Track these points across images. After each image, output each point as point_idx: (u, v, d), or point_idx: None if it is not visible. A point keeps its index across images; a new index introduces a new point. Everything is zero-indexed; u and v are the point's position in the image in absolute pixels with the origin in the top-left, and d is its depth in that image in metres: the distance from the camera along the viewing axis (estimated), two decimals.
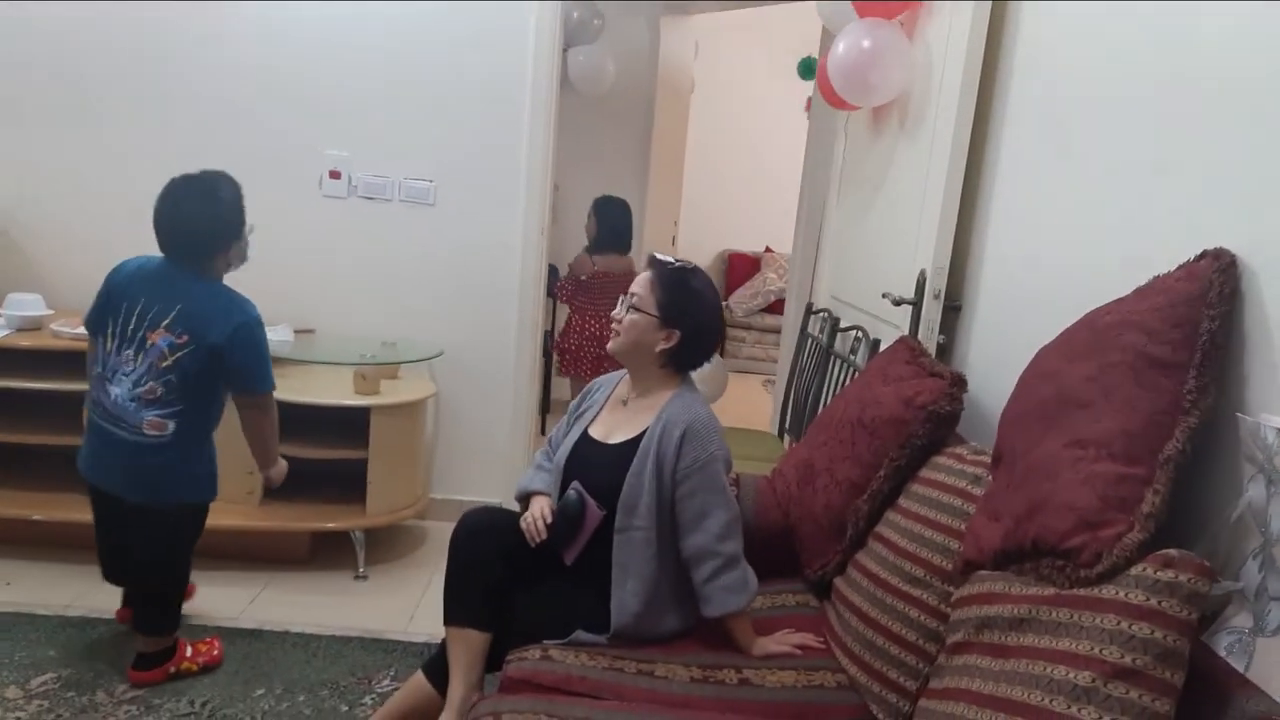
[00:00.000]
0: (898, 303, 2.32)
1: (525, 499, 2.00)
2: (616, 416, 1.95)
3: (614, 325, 1.87)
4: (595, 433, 1.95)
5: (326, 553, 2.96)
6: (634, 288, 1.87)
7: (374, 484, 2.87)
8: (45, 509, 2.74)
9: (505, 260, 3.25)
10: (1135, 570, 1.11)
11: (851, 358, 2.72)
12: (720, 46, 6.81)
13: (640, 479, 1.80)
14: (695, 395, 1.91)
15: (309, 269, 3.22)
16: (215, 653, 2.31)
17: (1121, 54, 1.68)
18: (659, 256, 1.89)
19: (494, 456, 3.38)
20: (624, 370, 2.03)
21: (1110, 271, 1.64)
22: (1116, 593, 1.11)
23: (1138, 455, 1.20)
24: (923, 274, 2.26)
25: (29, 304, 2.80)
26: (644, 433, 1.85)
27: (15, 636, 2.34)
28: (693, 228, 7.40)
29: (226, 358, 2.16)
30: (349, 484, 2.92)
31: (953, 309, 2.28)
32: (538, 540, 1.83)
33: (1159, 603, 1.07)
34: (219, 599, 2.62)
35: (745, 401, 6.04)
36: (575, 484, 1.85)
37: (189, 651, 2.28)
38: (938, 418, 1.85)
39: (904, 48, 2.45)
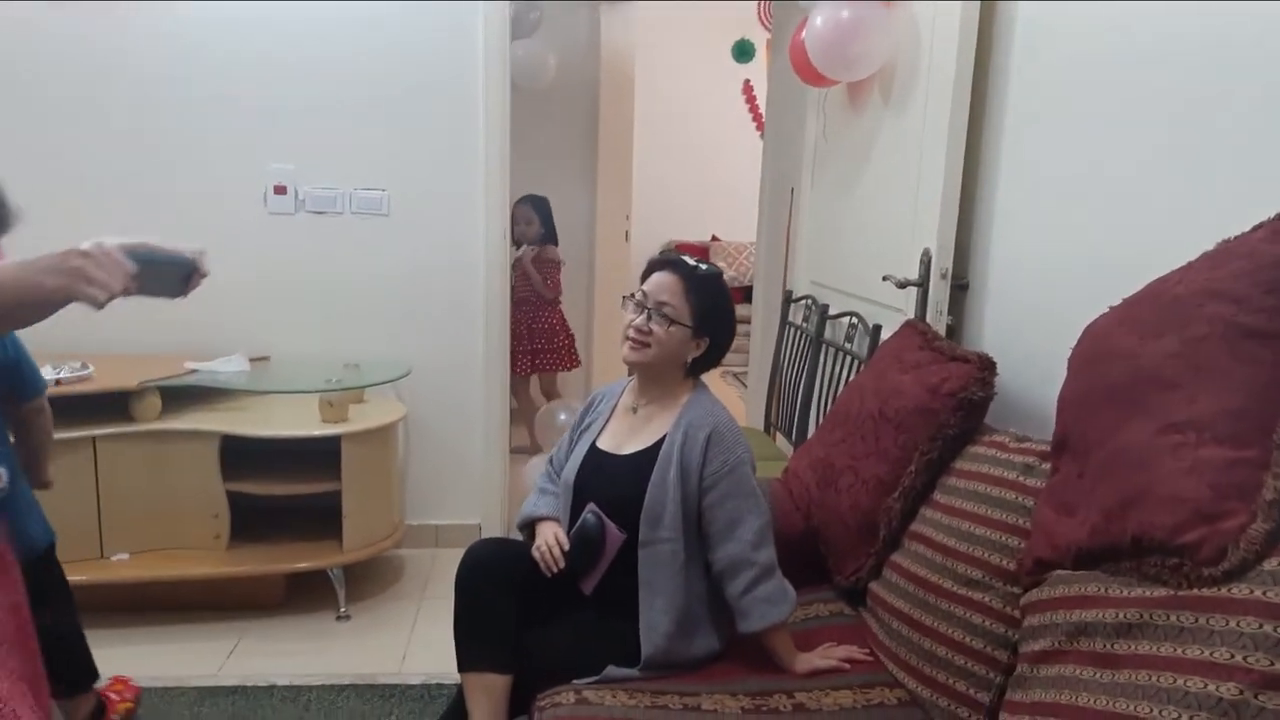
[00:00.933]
0: (902, 285, 2.22)
1: (530, 526, 1.85)
2: (625, 425, 1.81)
3: (638, 337, 1.71)
4: (604, 445, 1.81)
5: (303, 594, 2.75)
6: (663, 296, 1.70)
7: (350, 516, 2.67)
8: None
9: (468, 267, 3.07)
10: (1270, 565, 1.01)
11: (848, 346, 2.61)
12: (653, 34, 6.67)
13: (663, 488, 1.67)
14: (712, 397, 1.79)
15: (258, 292, 2.99)
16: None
17: None
18: (683, 259, 1.75)
19: (469, 475, 3.20)
20: (626, 378, 1.90)
21: (1136, 237, 1.56)
22: (1252, 591, 1.01)
23: (1247, 437, 1.09)
24: (926, 253, 2.16)
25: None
26: (661, 440, 1.71)
27: None
28: (640, 219, 7.26)
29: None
30: (322, 519, 2.72)
31: (959, 288, 2.19)
32: (554, 570, 1.68)
33: None
34: (193, 656, 2.40)
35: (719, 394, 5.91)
36: (592, 506, 1.71)
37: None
38: (969, 405, 1.74)
39: (884, 17, 2.35)
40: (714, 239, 7.50)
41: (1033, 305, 1.95)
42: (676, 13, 6.59)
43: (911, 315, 2.21)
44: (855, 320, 2.58)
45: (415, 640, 2.55)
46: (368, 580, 2.91)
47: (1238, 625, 1.00)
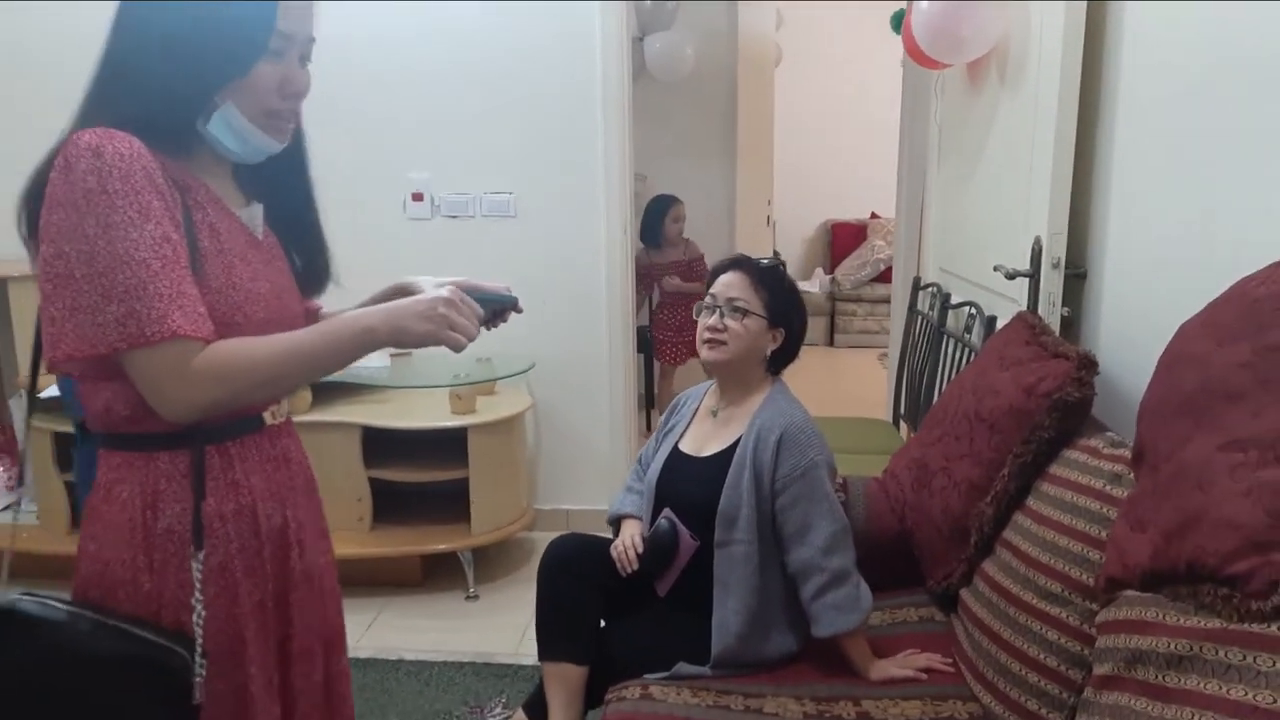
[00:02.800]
0: (1011, 276, 2.11)
1: (617, 523, 1.91)
2: (706, 428, 1.84)
3: (712, 335, 1.74)
4: (686, 447, 1.84)
5: (439, 574, 2.96)
6: (732, 292, 1.74)
7: (477, 502, 2.84)
8: None
9: (591, 262, 3.16)
10: None
11: (966, 337, 2.50)
12: (807, 11, 6.53)
13: (737, 491, 1.69)
14: (790, 398, 1.79)
15: None
16: None
17: None
18: (748, 257, 1.78)
19: (597, 463, 3.31)
20: (708, 381, 1.92)
21: (1267, 222, 1.41)
22: None
23: None
24: (1037, 241, 2.04)
25: None
26: (737, 442, 1.73)
27: None
28: (791, 200, 7.16)
29: None
30: (455, 503, 2.90)
31: (1077, 276, 2.05)
32: (629, 570, 1.74)
33: None
34: None
35: (860, 380, 5.80)
36: (667, 512, 1.75)
37: None
38: (1065, 406, 1.64)
39: None
40: (873, 216, 7.28)
41: (1154, 295, 1.80)
42: None
43: (1025, 306, 2.10)
44: (973, 310, 2.47)
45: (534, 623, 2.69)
46: (498, 562, 3.08)
47: (1276, 665, 0.91)
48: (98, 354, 0.98)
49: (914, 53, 2.46)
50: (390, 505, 2.92)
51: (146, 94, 1.03)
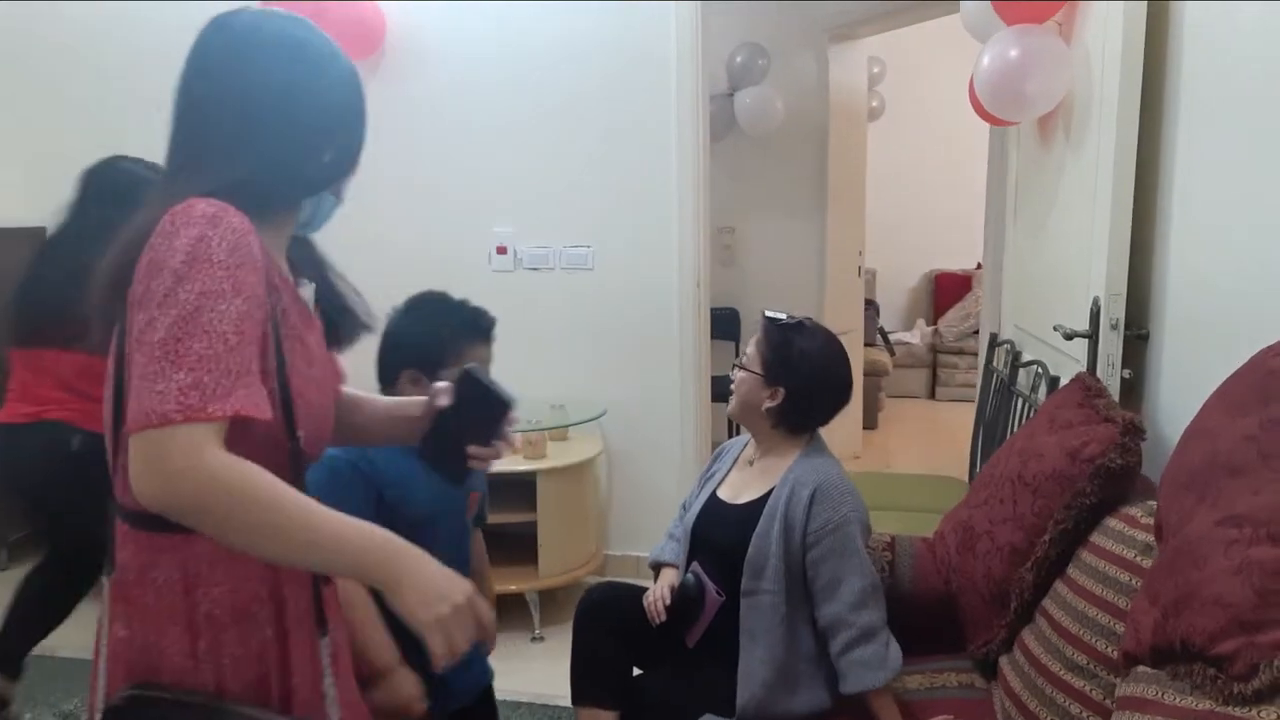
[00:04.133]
0: (1070, 336, 2.07)
1: (657, 568, 1.96)
2: (744, 477, 1.88)
3: (731, 385, 1.83)
4: (723, 494, 1.89)
5: (507, 614, 3.04)
6: (749, 347, 1.82)
7: (545, 545, 2.93)
8: None
9: (663, 313, 3.24)
10: None
11: (1033, 396, 2.44)
12: (911, 60, 6.51)
13: (766, 540, 1.71)
14: (825, 456, 1.81)
15: None
16: None
17: None
18: (768, 314, 1.81)
19: (668, 510, 3.30)
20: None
21: None
22: (1276, 715, 0.89)
23: None
24: (1096, 302, 1.99)
25: None
26: (769, 492, 1.76)
27: None
28: (892, 251, 7.08)
29: None
30: (525, 545, 2.99)
31: (1139, 338, 2.00)
32: (658, 621, 1.78)
33: None
34: None
35: (957, 436, 5.63)
36: (695, 566, 1.79)
37: None
38: (1107, 473, 1.60)
39: (1060, 52, 2.20)
40: (979, 266, 7.09)
41: (1216, 358, 1.72)
42: (929, 39, 6.37)
43: (1085, 367, 2.05)
44: (1040, 369, 2.41)
45: None
46: (566, 605, 3.14)
47: None
48: (150, 425, 0.88)
49: (980, 110, 2.45)
50: None
51: (271, 166, 1.03)
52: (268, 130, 1.03)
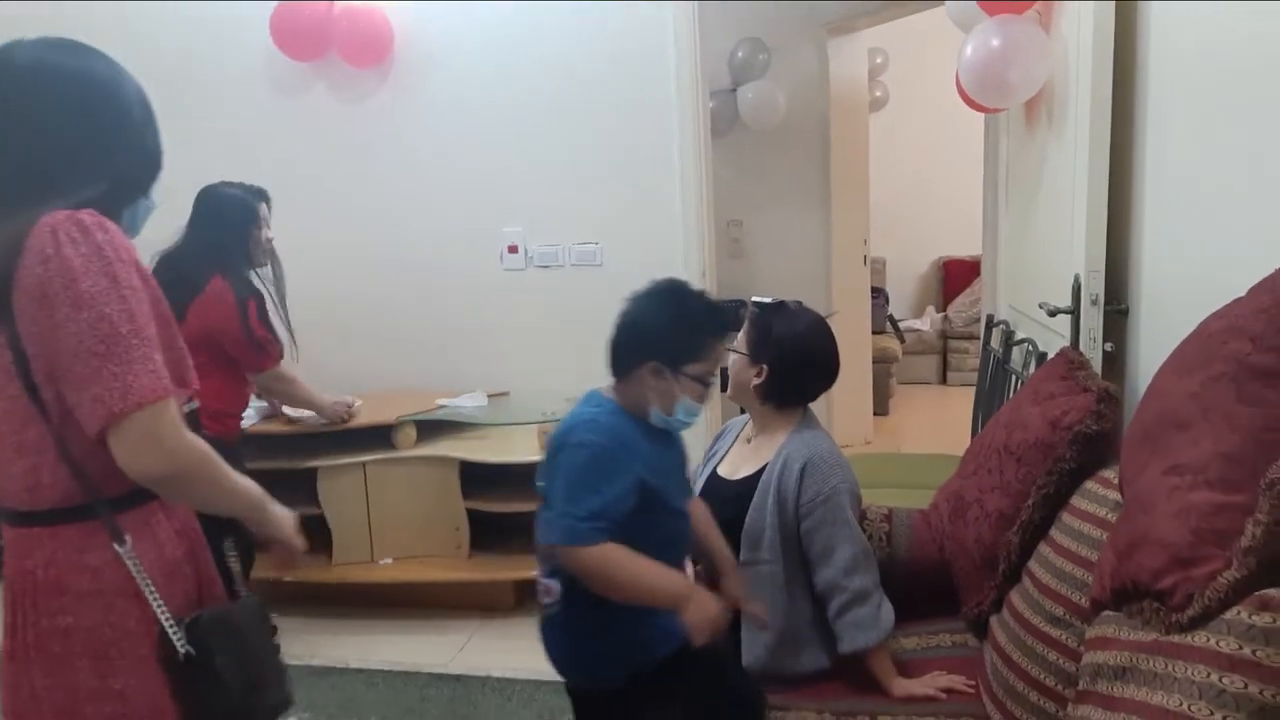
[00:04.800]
0: (1053, 313, 2.16)
1: None
2: (742, 453, 1.99)
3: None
4: (723, 470, 1.99)
5: (532, 599, 3.14)
6: (740, 331, 1.91)
7: None
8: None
9: None
10: (1229, 614, 0.99)
11: (1024, 373, 2.54)
12: (912, 49, 6.57)
13: (761, 513, 1.82)
14: (817, 431, 1.91)
15: (497, 337, 3.50)
16: None
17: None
18: (754, 299, 1.92)
19: None
20: None
21: None
22: (1207, 640, 0.99)
23: (1237, 481, 1.06)
24: (1077, 278, 2.09)
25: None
26: (764, 467, 1.87)
27: None
28: (901, 239, 7.16)
29: None
30: None
31: (1119, 313, 2.09)
32: None
33: (1253, 651, 0.95)
34: (431, 647, 2.89)
35: (966, 419, 5.70)
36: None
37: None
38: (1084, 439, 1.69)
39: (1040, 41, 2.30)
40: None
41: (1191, 328, 1.82)
42: (933, 26, 6.43)
43: (1069, 343, 2.14)
44: (1030, 346, 2.50)
45: None
46: None
47: (1190, 673, 0.99)
48: (148, 402, 1.10)
49: (965, 98, 2.55)
50: (486, 534, 3.16)
51: (111, 176, 1.19)
52: (75, 151, 1.17)
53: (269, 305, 2.62)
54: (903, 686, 1.72)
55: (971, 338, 6.76)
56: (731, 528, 1.84)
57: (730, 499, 1.89)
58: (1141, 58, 1.96)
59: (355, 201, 3.52)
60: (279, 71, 3.47)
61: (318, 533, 3.13)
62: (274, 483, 2.91)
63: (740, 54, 4.75)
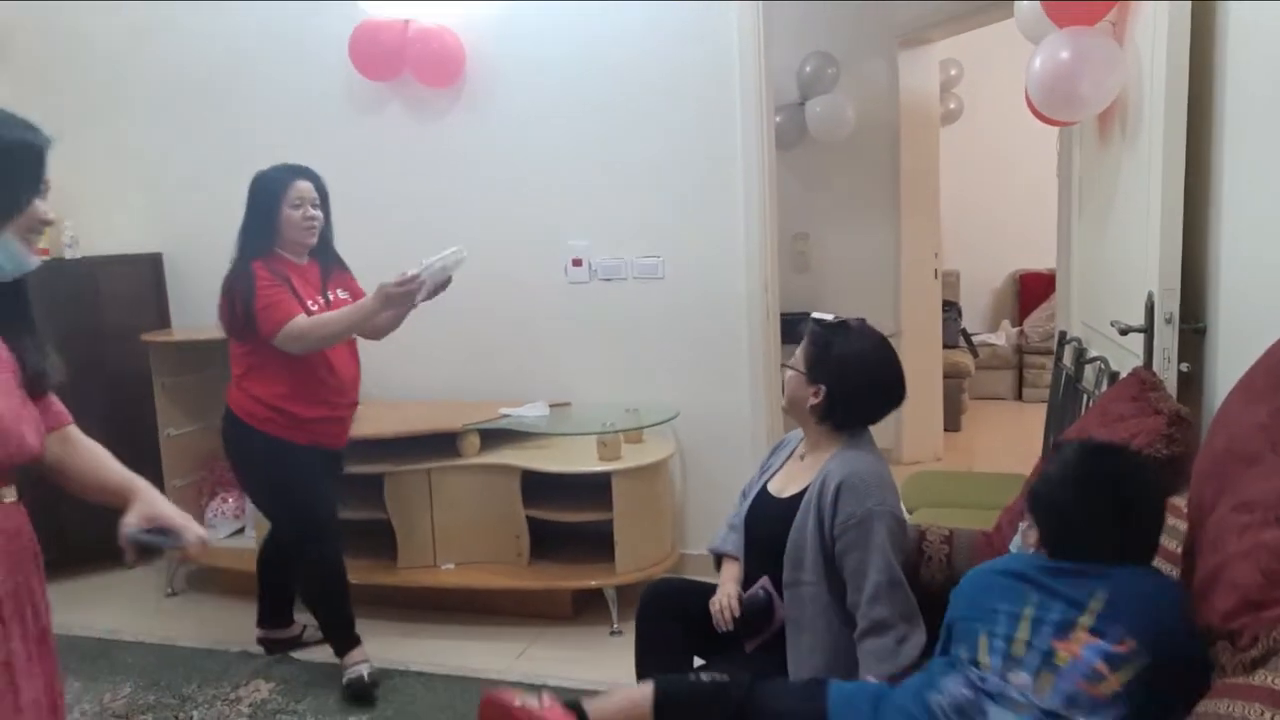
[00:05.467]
0: (1125, 331, 2.09)
1: (717, 558, 2.06)
2: (792, 471, 1.97)
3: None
4: (773, 487, 1.98)
5: (589, 609, 3.18)
6: (798, 349, 1.90)
7: (621, 543, 3.06)
8: (358, 575, 3.23)
9: (734, 318, 3.34)
10: None
11: (1095, 392, 2.46)
12: (986, 61, 6.44)
13: (803, 533, 1.80)
14: (863, 450, 1.87)
15: (561, 348, 3.54)
16: None
17: None
18: (815, 315, 1.89)
19: None
20: None
21: None
22: (1266, 678, 0.95)
23: None
24: (1150, 296, 2.02)
25: None
26: (809, 486, 1.85)
27: None
28: (975, 252, 7.00)
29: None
30: (604, 543, 3.13)
31: (1196, 332, 2.01)
32: (724, 629, 1.86)
33: None
34: (490, 653, 2.93)
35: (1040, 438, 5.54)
36: (765, 583, 1.87)
37: None
38: (1156, 464, 1.64)
39: (1113, 52, 2.23)
40: None
41: None
42: (1009, 38, 6.29)
43: (1143, 362, 2.07)
44: (1102, 365, 2.42)
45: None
46: None
47: (1246, 713, 0.95)
48: None
49: (1035, 111, 2.49)
50: (546, 542, 3.19)
51: None
52: None
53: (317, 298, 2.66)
54: None
55: (1048, 353, 6.56)
56: (775, 547, 1.82)
57: (776, 517, 1.87)
58: (1219, 64, 1.88)
59: (425, 215, 3.60)
60: (357, 91, 3.59)
61: (385, 536, 3.22)
62: (342, 487, 3.01)
63: (808, 68, 4.72)
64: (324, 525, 2.71)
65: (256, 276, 2.54)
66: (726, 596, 1.89)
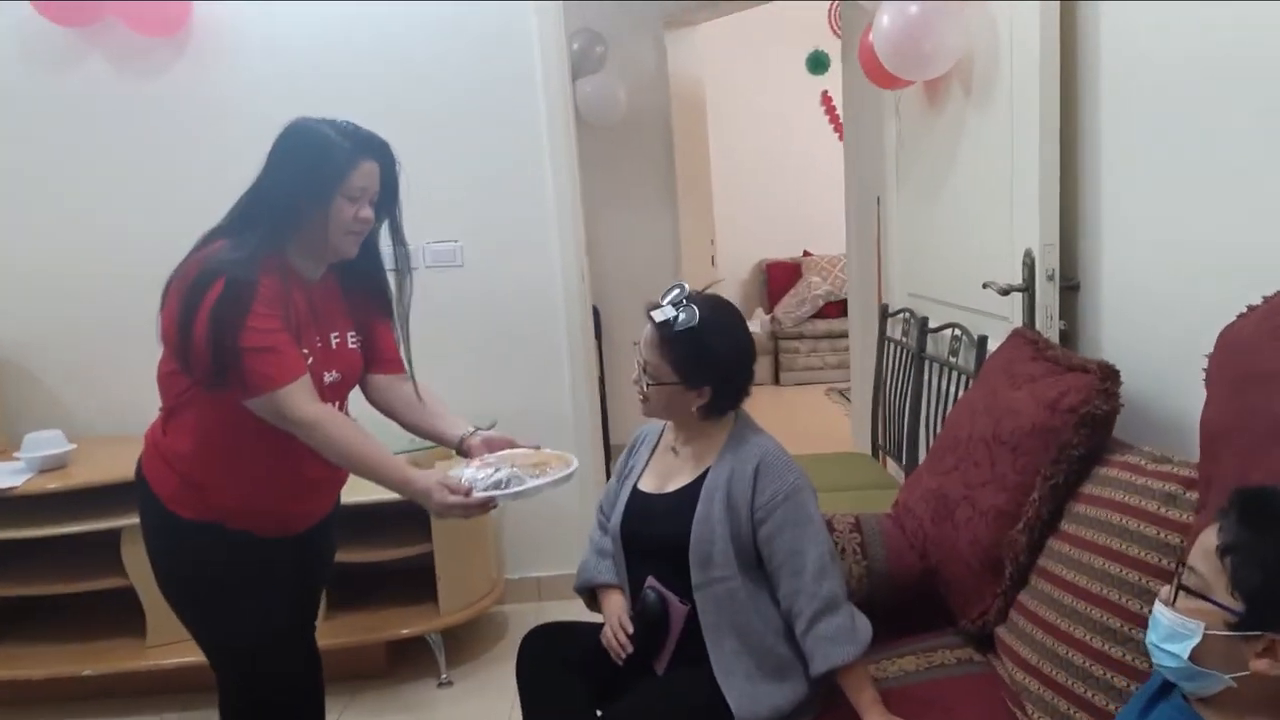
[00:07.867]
0: (1005, 291, 2.03)
1: (588, 592, 1.74)
2: (667, 464, 1.70)
3: (638, 391, 1.63)
4: (646, 485, 1.70)
5: (406, 660, 2.71)
6: (646, 353, 1.60)
7: (444, 579, 2.62)
8: (96, 662, 2.52)
9: (548, 314, 3.00)
10: None
11: (953, 360, 2.42)
12: (725, 54, 6.58)
13: (708, 525, 1.55)
14: (755, 427, 1.67)
15: None
16: None
17: None
18: (657, 318, 1.57)
19: (566, 524, 3.10)
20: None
21: (1266, 218, 1.35)
22: None
23: None
24: (1029, 254, 1.97)
25: (49, 441, 2.59)
26: (704, 474, 1.60)
27: None
28: (727, 243, 7.14)
29: None
30: (421, 582, 2.67)
31: (1069, 289, 1.99)
32: (624, 655, 1.57)
33: None
34: None
35: (813, 417, 5.73)
36: (652, 582, 1.59)
37: None
38: (1093, 420, 1.55)
39: (957, 9, 2.18)
40: (805, 254, 7.31)
41: (1157, 304, 1.73)
42: (745, 30, 6.47)
43: (1019, 323, 2.02)
44: (958, 332, 2.38)
45: (519, 705, 2.46)
46: (469, 643, 2.84)
47: None
48: None
49: (873, 73, 2.40)
50: (348, 590, 2.67)
51: None
52: None
53: None
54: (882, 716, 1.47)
55: (801, 337, 6.85)
56: (675, 546, 1.56)
57: (663, 514, 1.62)
58: (1088, 14, 1.86)
59: (139, 198, 2.90)
60: (40, 40, 2.82)
61: (129, 609, 2.53)
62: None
63: (576, 45, 4.47)
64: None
65: (259, 297, 1.52)
66: (615, 619, 1.62)
